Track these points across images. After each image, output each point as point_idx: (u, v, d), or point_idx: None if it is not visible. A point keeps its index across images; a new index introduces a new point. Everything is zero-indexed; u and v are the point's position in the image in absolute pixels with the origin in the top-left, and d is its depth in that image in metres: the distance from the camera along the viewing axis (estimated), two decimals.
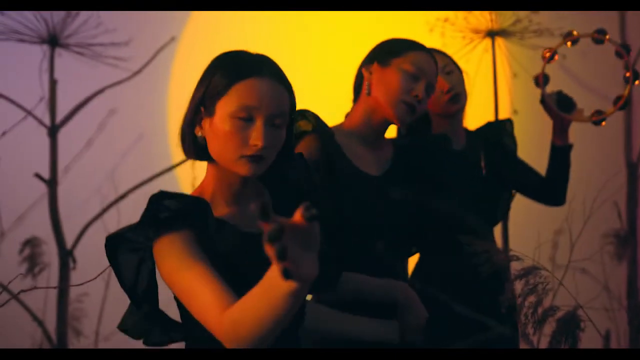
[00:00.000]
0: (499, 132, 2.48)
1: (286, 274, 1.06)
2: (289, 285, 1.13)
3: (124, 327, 1.48)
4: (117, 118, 3.34)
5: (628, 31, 3.21)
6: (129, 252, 1.40)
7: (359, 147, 1.89)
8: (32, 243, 3.00)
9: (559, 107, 2.29)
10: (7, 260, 2.98)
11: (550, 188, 2.40)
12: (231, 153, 1.41)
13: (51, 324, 2.91)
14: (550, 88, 2.30)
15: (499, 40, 2.95)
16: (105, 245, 1.40)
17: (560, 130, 2.34)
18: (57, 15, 2.85)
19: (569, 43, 2.25)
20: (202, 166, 1.51)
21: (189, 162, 2.61)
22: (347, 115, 1.98)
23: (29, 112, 2.90)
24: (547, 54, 2.27)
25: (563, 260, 1.94)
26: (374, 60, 1.91)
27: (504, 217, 2.53)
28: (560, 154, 2.36)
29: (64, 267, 2.87)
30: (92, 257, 2.64)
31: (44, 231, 2.96)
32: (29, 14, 2.83)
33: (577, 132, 2.38)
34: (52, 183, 2.88)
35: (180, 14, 3.42)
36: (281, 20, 3.30)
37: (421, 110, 1.88)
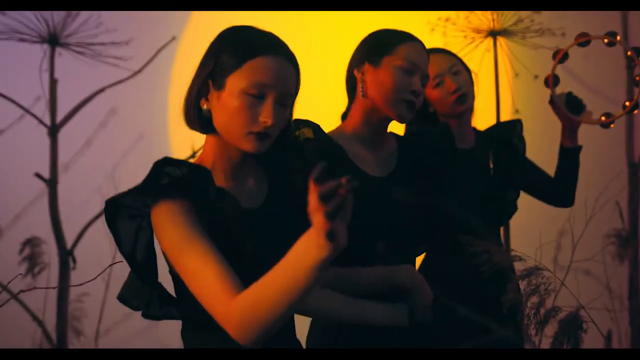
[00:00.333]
0: (509, 132, 2.47)
1: (330, 236, 1.07)
2: (319, 255, 1.12)
3: (123, 296, 1.47)
4: (117, 118, 3.33)
5: (630, 31, 3.21)
6: (128, 219, 1.38)
7: (361, 149, 1.88)
8: (32, 243, 2.99)
9: (568, 109, 2.27)
10: (7, 260, 2.98)
11: (559, 189, 2.40)
12: (239, 129, 1.40)
13: (51, 324, 2.91)
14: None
15: (501, 40, 2.94)
16: (104, 210, 1.38)
17: (569, 131, 2.32)
18: (58, 15, 2.85)
19: (579, 42, 2.22)
20: None
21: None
22: (343, 117, 1.97)
23: (29, 112, 2.89)
24: (559, 55, 2.22)
25: (565, 260, 1.93)
26: (364, 60, 1.88)
27: (510, 217, 2.53)
28: (569, 155, 2.35)
29: (63, 267, 2.86)
30: (92, 257, 2.64)
31: (44, 231, 2.95)
32: (29, 14, 2.83)
33: (578, 132, 2.36)
34: (52, 182, 2.88)
35: (180, 13, 3.42)
36: (281, 20, 3.29)
37: (420, 102, 1.86)
